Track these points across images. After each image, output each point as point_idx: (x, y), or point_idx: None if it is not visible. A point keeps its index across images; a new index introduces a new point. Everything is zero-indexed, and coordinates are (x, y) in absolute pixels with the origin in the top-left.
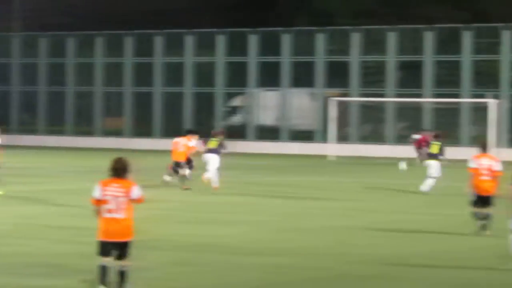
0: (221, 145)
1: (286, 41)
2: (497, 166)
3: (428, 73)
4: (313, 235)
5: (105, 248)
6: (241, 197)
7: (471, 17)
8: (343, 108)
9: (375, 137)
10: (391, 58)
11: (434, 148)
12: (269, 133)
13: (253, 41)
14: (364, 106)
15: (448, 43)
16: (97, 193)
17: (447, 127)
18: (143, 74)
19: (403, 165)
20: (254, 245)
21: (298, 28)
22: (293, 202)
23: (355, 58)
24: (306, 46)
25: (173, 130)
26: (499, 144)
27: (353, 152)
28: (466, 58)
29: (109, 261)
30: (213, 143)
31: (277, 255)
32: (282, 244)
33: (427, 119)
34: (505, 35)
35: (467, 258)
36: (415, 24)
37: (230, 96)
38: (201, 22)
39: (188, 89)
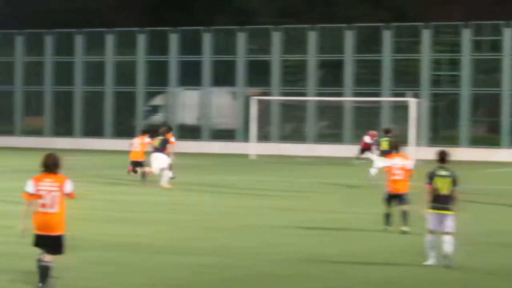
0: (165, 143)
1: (207, 40)
2: (410, 165)
3: (349, 72)
4: (234, 234)
5: (39, 242)
6: (163, 197)
7: (391, 17)
8: (264, 107)
9: (296, 136)
10: (312, 57)
11: (384, 144)
12: (190, 132)
13: (173, 40)
14: (285, 105)
15: (369, 42)
16: (30, 188)
17: (368, 126)
18: (64, 73)
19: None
20: (176, 244)
21: (218, 27)
22: (215, 201)
23: (276, 57)
24: (226, 45)
25: (94, 129)
26: (419, 143)
27: (274, 151)
28: (387, 57)
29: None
30: (157, 141)
31: (199, 254)
32: (204, 243)
33: (348, 118)
34: (425, 34)
35: (388, 255)
36: (335, 23)
37: (151, 95)
38: (121, 21)
39: (109, 88)
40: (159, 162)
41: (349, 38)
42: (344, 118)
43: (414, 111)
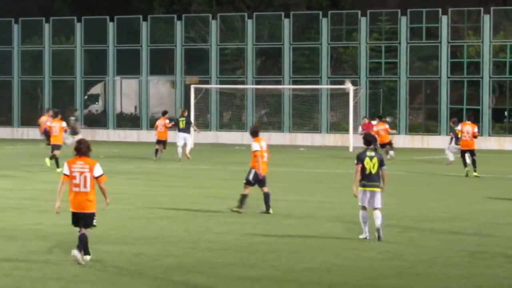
0: (189, 124)
1: (144, 28)
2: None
3: (287, 60)
4: (174, 223)
5: (74, 219)
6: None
7: (328, 4)
8: (203, 96)
9: (236, 124)
10: (250, 45)
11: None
12: (129, 121)
13: (111, 29)
14: (224, 94)
15: (306, 30)
16: (66, 170)
17: (307, 114)
18: (1, 63)
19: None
20: (116, 233)
21: (156, 15)
22: (154, 190)
23: (213, 45)
24: (164, 33)
25: (32, 118)
26: (357, 130)
27: (213, 139)
28: (324, 44)
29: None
30: (181, 123)
31: (138, 243)
32: (144, 232)
33: (287, 106)
34: (362, 22)
35: (326, 241)
36: (273, 11)
37: (89, 84)
38: (58, 10)
39: (47, 77)
40: (186, 140)
41: (287, 26)
42: (283, 106)
43: (352, 98)
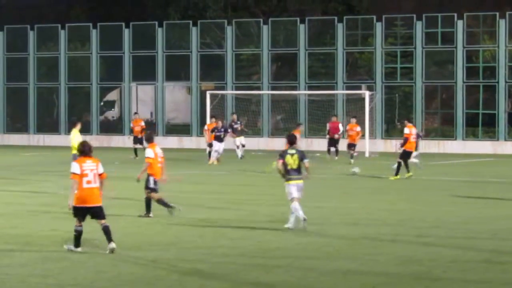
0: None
1: (160, 34)
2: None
3: (303, 66)
4: (185, 228)
5: (84, 212)
6: (113, 192)
7: (343, 10)
8: (219, 102)
9: (252, 130)
10: (265, 51)
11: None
12: (145, 127)
13: (126, 35)
14: (240, 99)
15: (322, 36)
16: (77, 169)
17: (323, 119)
18: (17, 69)
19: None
20: (129, 239)
21: (171, 21)
22: (168, 195)
23: (229, 51)
24: (179, 39)
25: (48, 125)
26: (374, 135)
27: (231, 145)
28: (340, 50)
29: (82, 225)
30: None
31: (152, 250)
32: (158, 238)
33: (302, 112)
34: (378, 27)
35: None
36: (288, 17)
37: (105, 90)
38: (74, 17)
39: (63, 84)
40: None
41: (302, 31)
42: (299, 112)
43: (368, 103)
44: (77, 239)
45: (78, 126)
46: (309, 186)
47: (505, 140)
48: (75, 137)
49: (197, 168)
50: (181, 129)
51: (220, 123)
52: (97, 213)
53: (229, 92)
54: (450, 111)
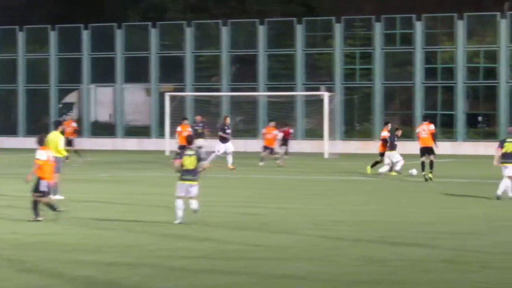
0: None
1: (119, 36)
2: (52, 157)
3: (262, 67)
4: (146, 230)
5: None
6: (79, 194)
7: (303, 11)
8: (178, 103)
9: (211, 132)
10: (225, 53)
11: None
12: (104, 129)
13: (85, 37)
14: (199, 101)
15: (281, 37)
16: (44, 156)
17: (283, 120)
18: None
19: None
20: (89, 242)
21: (130, 23)
22: (129, 197)
23: (188, 52)
24: (139, 41)
25: (6, 128)
26: (333, 137)
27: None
28: (299, 51)
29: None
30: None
31: (111, 252)
32: (117, 241)
33: (262, 113)
34: (337, 29)
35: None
36: (248, 18)
37: (64, 92)
38: (32, 18)
39: (21, 86)
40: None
41: (262, 33)
42: (258, 113)
43: (328, 105)
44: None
45: (60, 128)
46: (268, 187)
47: (464, 141)
48: (61, 140)
49: (158, 170)
50: (140, 131)
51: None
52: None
53: (189, 93)
54: (409, 112)
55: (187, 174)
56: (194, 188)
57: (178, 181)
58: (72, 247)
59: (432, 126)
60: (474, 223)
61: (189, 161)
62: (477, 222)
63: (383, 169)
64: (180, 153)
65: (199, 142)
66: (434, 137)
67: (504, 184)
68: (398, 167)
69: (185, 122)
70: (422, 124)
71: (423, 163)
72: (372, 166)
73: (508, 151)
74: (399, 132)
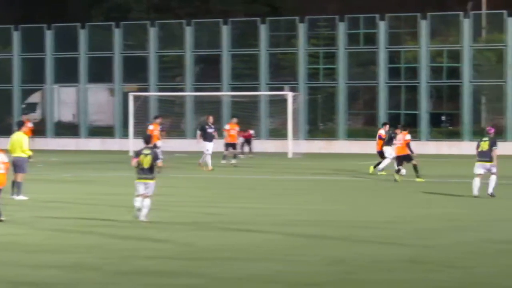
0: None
1: (83, 36)
2: (6, 159)
3: (226, 67)
4: (114, 231)
5: None
6: (39, 194)
7: (267, 11)
8: (142, 103)
9: (175, 131)
10: (189, 53)
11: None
12: (67, 129)
13: (48, 37)
14: (163, 101)
15: (245, 37)
16: (6, 159)
17: (246, 120)
18: None
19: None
20: (53, 242)
21: (94, 23)
22: (92, 197)
23: (152, 52)
24: (102, 41)
25: None
26: (297, 136)
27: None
28: (263, 51)
29: None
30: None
31: (75, 252)
32: (79, 241)
33: (226, 113)
34: (301, 28)
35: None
36: (211, 18)
37: (27, 92)
38: None
39: None
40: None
41: (226, 33)
42: (222, 113)
43: (291, 104)
44: None
45: (24, 129)
46: (232, 187)
47: (427, 140)
48: (25, 140)
49: (122, 170)
50: (104, 131)
51: (211, 119)
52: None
53: (152, 93)
54: (373, 111)
55: (143, 173)
56: (150, 187)
57: (135, 180)
58: (35, 248)
59: (408, 136)
60: (436, 222)
61: (145, 160)
62: (440, 222)
63: (382, 165)
64: (137, 152)
65: (157, 143)
66: (409, 146)
67: (477, 182)
68: (382, 164)
69: (157, 120)
70: (399, 134)
71: (398, 170)
72: (375, 166)
73: (483, 150)
74: (398, 131)
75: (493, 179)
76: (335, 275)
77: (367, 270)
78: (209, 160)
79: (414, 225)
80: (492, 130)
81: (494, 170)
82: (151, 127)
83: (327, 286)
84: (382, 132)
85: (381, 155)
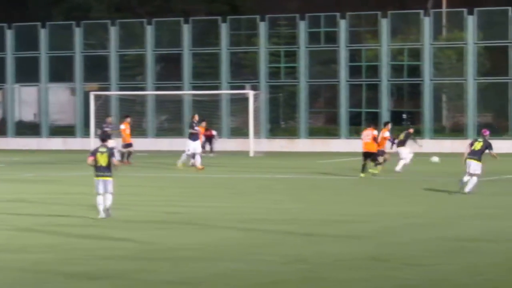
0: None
1: (43, 35)
2: None
3: (187, 66)
4: (75, 230)
5: None
6: (3, 195)
7: (227, 10)
8: (103, 102)
9: (136, 131)
10: (149, 52)
11: None
12: (28, 129)
13: (9, 36)
14: (124, 100)
15: (206, 36)
16: None
17: (208, 119)
18: None
19: (435, 159)
20: (13, 242)
21: (54, 22)
22: (52, 197)
23: (113, 52)
24: (63, 40)
25: None
26: (258, 135)
27: (116, 146)
28: (224, 50)
29: None
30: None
31: (34, 252)
32: (40, 240)
33: (187, 112)
34: (262, 27)
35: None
36: (172, 17)
37: None
38: None
39: None
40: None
41: (186, 32)
42: (183, 112)
43: (253, 103)
44: None
45: None
46: (193, 186)
47: None
48: None
49: (84, 169)
50: (65, 131)
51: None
52: None
53: (113, 93)
54: (334, 110)
55: (101, 170)
56: (108, 184)
57: (94, 178)
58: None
59: (375, 132)
60: (398, 220)
61: (102, 158)
62: (402, 219)
63: (399, 166)
64: (94, 151)
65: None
66: (376, 141)
67: (466, 179)
68: (399, 166)
69: (127, 119)
70: (366, 130)
71: (364, 165)
72: (376, 165)
73: (476, 149)
74: (411, 130)
75: (473, 180)
76: (296, 273)
77: (328, 268)
78: (184, 158)
79: (375, 223)
80: (487, 132)
81: (478, 171)
82: (122, 126)
83: (288, 284)
84: (387, 133)
85: (369, 155)
